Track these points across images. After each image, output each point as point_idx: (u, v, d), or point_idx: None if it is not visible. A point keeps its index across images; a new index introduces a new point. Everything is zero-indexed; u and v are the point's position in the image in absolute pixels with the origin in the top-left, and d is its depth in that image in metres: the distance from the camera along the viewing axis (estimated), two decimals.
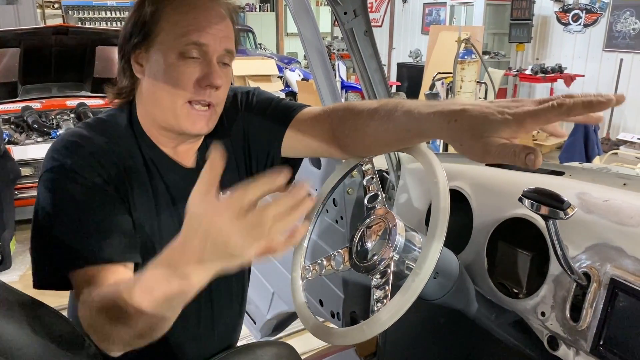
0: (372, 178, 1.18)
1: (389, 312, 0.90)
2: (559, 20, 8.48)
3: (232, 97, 1.24)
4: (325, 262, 1.18)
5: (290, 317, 2.45)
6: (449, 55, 7.03)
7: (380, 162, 1.69)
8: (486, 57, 8.68)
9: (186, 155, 1.14)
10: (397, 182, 1.62)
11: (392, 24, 11.43)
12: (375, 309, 1.00)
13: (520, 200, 0.95)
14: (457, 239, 1.34)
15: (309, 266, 1.20)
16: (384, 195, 1.16)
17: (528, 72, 8.12)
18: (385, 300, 0.99)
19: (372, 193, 1.18)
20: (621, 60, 7.58)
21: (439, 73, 7.24)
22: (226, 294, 1.28)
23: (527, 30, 8.50)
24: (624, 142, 6.92)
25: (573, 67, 8.18)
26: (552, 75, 7.96)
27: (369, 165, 1.18)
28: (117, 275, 0.92)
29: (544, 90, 8.55)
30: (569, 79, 7.96)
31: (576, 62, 8.25)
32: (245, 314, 2.70)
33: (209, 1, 1.03)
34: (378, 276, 1.05)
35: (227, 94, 1.21)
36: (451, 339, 1.85)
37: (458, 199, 1.35)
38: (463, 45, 6.43)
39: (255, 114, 1.24)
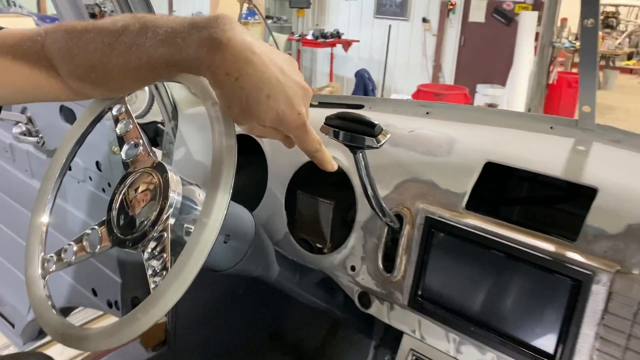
0: (129, 123, 0.89)
1: (173, 282, 0.64)
2: None
3: None
4: (74, 247, 0.87)
5: None
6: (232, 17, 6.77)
7: (154, 111, 1.38)
8: (269, 21, 8.64)
9: None
10: (175, 133, 1.32)
11: None
12: (153, 285, 0.73)
13: (321, 130, 0.75)
14: (250, 193, 1.12)
15: (51, 257, 0.88)
16: (149, 146, 0.88)
17: (309, 37, 8.29)
18: (164, 272, 0.73)
19: (132, 142, 0.89)
20: (390, 26, 8.17)
21: None
22: None
23: None
24: None
25: (349, 33, 8.58)
26: (332, 40, 8.25)
27: (121, 107, 0.89)
28: None
29: (325, 55, 8.85)
30: (347, 44, 8.35)
31: (352, 28, 8.67)
32: (1, 318, 2.19)
33: None
34: (152, 245, 0.78)
35: None
36: (253, 309, 1.65)
37: (248, 146, 1.12)
38: (246, 5, 6.23)
39: None
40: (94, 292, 1.70)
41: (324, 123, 0.75)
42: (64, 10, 1.18)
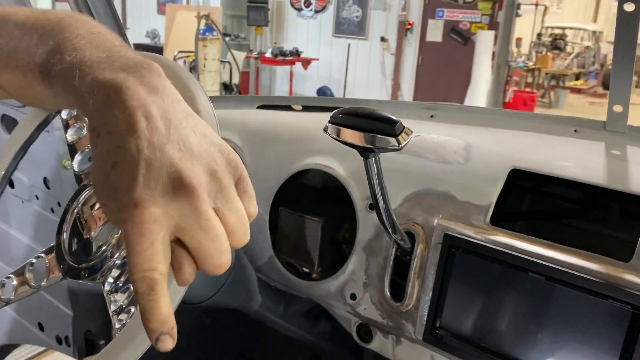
0: (82, 128, 0.75)
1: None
2: (292, 5, 8.75)
3: None
4: (14, 281, 0.71)
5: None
6: (188, 34, 6.63)
7: None
8: (227, 38, 8.50)
9: None
10: None
11: (125, 3, 10.47)
12: (118, 325, 0.58)
13: (325, 130, 0.62)
14: None
15: None
16: None
17: (268, 55, 8.19)
18: (133, 309, 0.61)
19: (86, 151, 0.74)
20: (349, 45, 8.17)
21: (180, 52, 6.81)
22: None
23: (264, 13, 8.57)
24: None
25: (308, 51, 8.53)
26: (291, 58, 8.17)
27: (72, 109, 0.75)
28: None
29: (284, 74, 8.77)
30: (306, 62, 8.29)
31: (311, 46, 8.64)
32: None
33: None
34: (115, 274, 0.63)
35: None
36: (223, 342, 1.49)
37: None
38: (203, 21, 6.09)
39: None
40: (41, 327, 1.50)
41: (329, 121, 0.62)
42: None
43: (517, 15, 7.07)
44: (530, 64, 9.80)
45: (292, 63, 8.21)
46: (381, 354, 0.84)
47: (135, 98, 0.38)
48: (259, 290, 0.93)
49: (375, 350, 0.84)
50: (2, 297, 0.71)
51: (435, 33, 7.68)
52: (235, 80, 7.20)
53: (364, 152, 0.61)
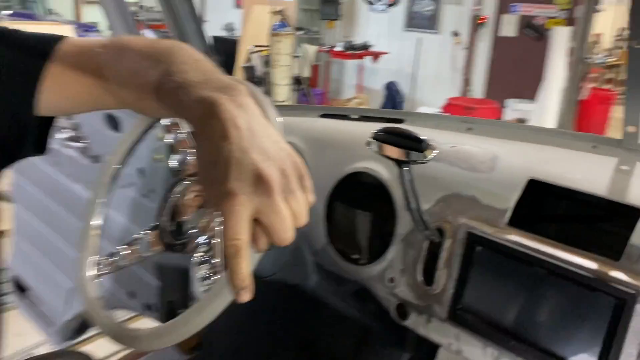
0: (180, 133, 0.94)
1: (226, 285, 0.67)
2: None
3: None
4: (126, 250, 0.91)
5: None
6: (263, 29, 6.86)
7: None
8: (300, 33, 8.72)
9: None
10: None
11: None
12: (203, 288, 0.76)
13: (368, 144, 0.78)
14: None
15: (103, 259, 0.92)
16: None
17: (339, 48, 8.35)
18: (214, 277, 0.77)
19: (182, 152, 0.93)
20: (419, 39, 8.16)
21: (255, 46, 7.07)
22: None
23: (337, 7, 8.72)
24: None
25: (378, 45, 8.60)
26: (361, 52, 8.28)
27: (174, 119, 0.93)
28: None
29: (354, 67, 8.89)
30: (376, 56, 8.38)
31: (381, 40, 8.68)
32: (39, 316, 2.26)
33: None
34: (202, 250, 0.81)
35: None
36: (284, 318, 1.68)
37: None
38: (278, 17, 6.32)
39: None
40: (131, 295, 1.74)
41: (372, 137, 0.78)
42: (113, 19, 1.23)
43: (596, 10, 6.80)
44: (611, 59, 9.37)
45: (361, 57, 8.32)
46: (416, 330, 1.00)
47: (227, 112, 0.53)
48: (315, 271, 1.10)
49: (411, 327, 1.00)
50: (117, 263, 0.92)
51: (509, 28, 7.53)
52: (306, 73, 7.39)
53: (399, 163, 0.76)
